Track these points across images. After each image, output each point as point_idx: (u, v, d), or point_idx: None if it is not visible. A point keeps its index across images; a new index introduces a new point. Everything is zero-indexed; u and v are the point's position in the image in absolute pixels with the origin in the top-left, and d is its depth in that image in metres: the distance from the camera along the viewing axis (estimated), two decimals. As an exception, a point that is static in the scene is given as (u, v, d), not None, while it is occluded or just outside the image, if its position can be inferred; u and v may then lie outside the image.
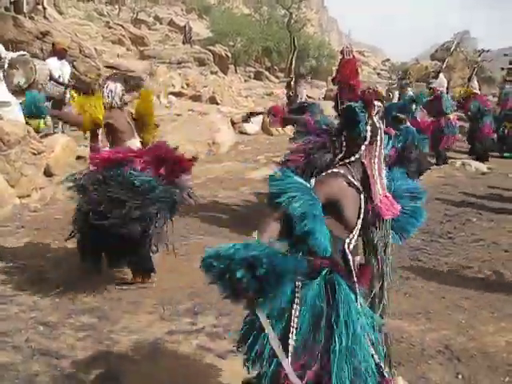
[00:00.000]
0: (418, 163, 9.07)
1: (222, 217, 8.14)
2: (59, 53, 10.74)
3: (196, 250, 6.62)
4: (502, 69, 21.58)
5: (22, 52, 10.19)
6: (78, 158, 10.07)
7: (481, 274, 6.12)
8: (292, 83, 8.37)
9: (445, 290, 5.69)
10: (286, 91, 8.69)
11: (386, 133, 8.62)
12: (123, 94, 5.81)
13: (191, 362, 4.14)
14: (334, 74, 12.21)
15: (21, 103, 9.38)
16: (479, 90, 14.34)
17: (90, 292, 5.25)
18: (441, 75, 13.21)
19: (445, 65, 15.58)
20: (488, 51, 21.58)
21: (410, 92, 10.99)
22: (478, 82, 15.07)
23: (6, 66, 9.05)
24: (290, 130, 11.38)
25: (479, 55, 16.47)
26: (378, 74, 50.73)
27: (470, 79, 14.40)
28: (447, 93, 12.85)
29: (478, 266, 6.36)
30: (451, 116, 12.37)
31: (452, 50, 26.64)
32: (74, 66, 13.69)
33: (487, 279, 6.01)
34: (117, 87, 5.70)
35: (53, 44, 11.34)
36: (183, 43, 31.91)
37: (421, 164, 9.14)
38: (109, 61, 16.93)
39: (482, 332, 4.71)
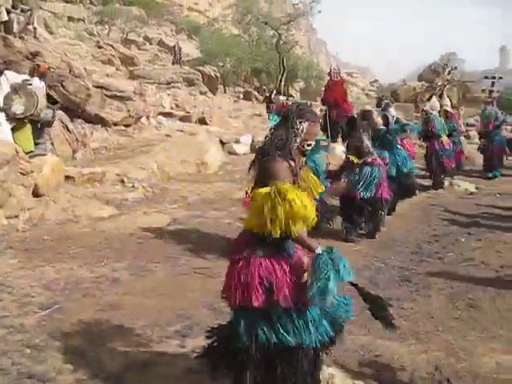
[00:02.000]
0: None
1: (211, 238, 8.08)
2: (43, 74, 10.66)
3: (184, 271, 6.60)
4: (483, 90, 21.87)
5: (26, 77, 10.09)
6: (67, 178, 10.04)
7: (470, 295, 6.11)
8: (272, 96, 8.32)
9: (434, 310, 5.69)
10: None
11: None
12: None
13: (180, 385, 4.10)
14: (321, 95, 12.22)
15: (12, 129, 9.39)
16: (452, 107, 14.38)
17: (78, 315, 5.19)
18: (433, 98, 13.25)
19: (438, 88, 15.70)
20: (455, 68, 21.69)
21: (392, 111, 10.77)
22: (449, 98, 15.17)
23: None
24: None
25: (448, 73, 16.57)
26: (367, 94, 51.10)
27: (441, 96, 14.42)
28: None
29: (466, 286, 6.36)
30: (443, 139, 12.38)
31: (439, 71, 26.90)
32: (63, 86, 13.69)
33: (476, 299, 6.01)
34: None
35: (38, 65, 11.25)
36: (173, 63, 32.03)
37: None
38: (98, 80, 16.92)
39: (471, 353, 4.70)
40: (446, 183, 12.90)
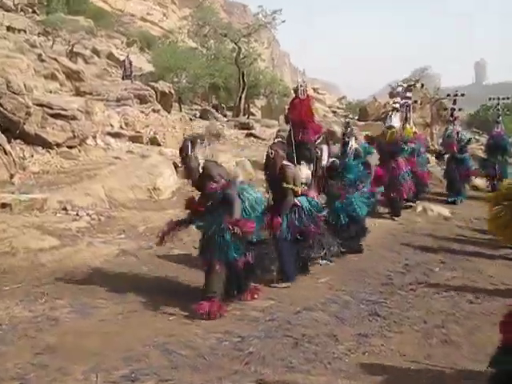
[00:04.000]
0: None
1: (162, 272, 8.00)
2: None
3: (133, 308, 6.52)
4: (445, 109, 22.29)
5: None
6: (3, 205, 9.91)
7: (444, 329, 6.17)
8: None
9: (406, 347, 5.72)
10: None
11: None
12: None
13: None
14: (286, 112, 12.32)
15: None
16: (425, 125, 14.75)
17: (14, 359, 5.08)
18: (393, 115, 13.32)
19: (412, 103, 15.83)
20: (414, 86, 21.81)
21: (353, 142, 10.43)
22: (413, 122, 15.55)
23: None
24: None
25: (406, 90, 16.55)
26: (334, 112, 51.46)
27: (406, 119, 14.55)
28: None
29: (441, 320, 6.43)
30: (400, 160, 12.36)
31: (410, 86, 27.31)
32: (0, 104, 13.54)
33: (451, 334, 6.06)
34: None
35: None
36: (123, 79, 31.93)
37: None
38: (40, 97, 16.76)
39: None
40: (420, 208, 13.07)
